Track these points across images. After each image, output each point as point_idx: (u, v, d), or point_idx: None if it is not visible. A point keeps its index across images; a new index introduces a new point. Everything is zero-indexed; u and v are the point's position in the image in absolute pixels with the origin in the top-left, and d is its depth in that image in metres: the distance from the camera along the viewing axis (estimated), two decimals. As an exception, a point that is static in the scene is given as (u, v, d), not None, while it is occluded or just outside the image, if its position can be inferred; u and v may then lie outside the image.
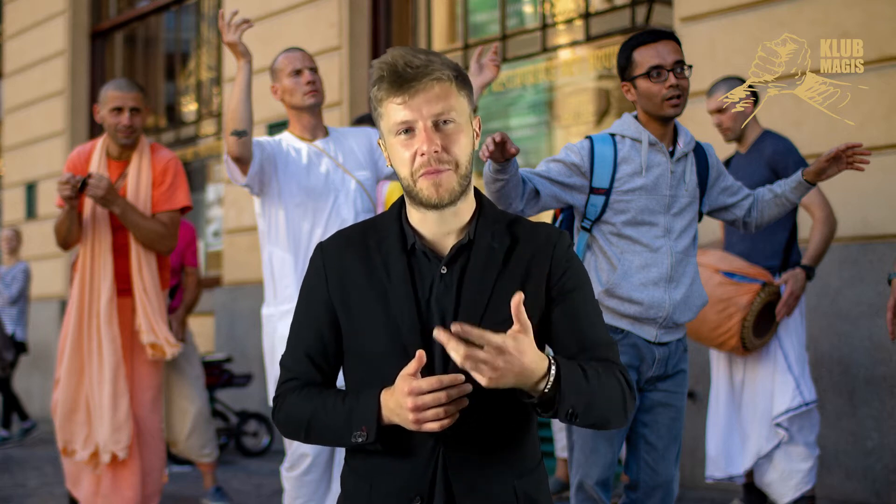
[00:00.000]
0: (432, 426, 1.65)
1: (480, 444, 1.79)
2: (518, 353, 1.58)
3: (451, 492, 1.77)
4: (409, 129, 1.75)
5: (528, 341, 1.60)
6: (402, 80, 1.72)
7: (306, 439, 1.85)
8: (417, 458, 1.77)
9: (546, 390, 1.64)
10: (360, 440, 1.74)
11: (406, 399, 1.65)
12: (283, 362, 1.91)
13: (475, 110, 1.96)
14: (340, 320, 1.83)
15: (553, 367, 1.65)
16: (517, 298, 1.59)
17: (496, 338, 1.56)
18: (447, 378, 1.64)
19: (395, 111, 1.75)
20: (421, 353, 1.66)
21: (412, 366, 1.66)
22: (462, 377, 1.64)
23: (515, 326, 1.59)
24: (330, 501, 3.66)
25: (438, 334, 1.55)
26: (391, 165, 1.83)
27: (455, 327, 1.55)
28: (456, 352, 1.54)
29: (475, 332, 1.55)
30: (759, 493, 4.42)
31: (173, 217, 4.24)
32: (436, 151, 1.73)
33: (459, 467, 1.77)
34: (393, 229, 1.84)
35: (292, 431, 1.87)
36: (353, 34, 7.21)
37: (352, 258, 1.84)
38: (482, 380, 1.56)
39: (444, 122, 1.75)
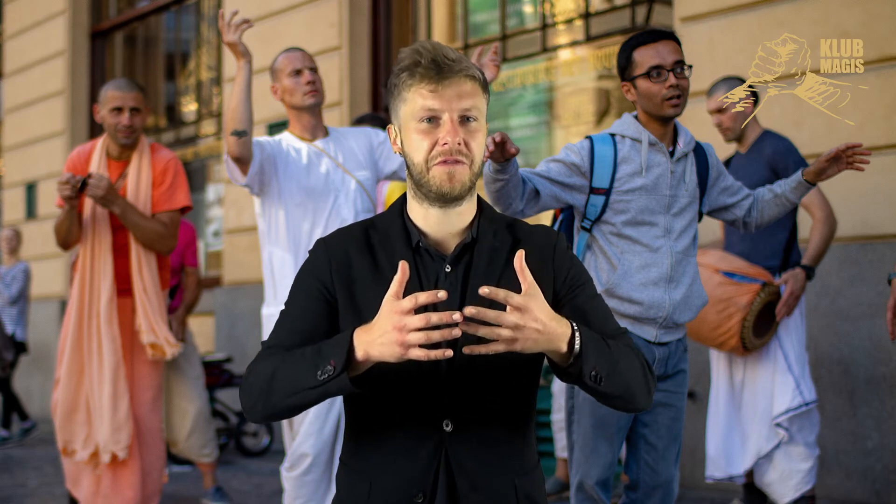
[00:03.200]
0: (417, 353, 1.58)
1: (483, 443, 1.79)
2: (536, 310, 1.61)
3: (454, 489, 1.77)
4: (432, 119, 1.76)
5: (541, 298, 1.63)
6: (438, 70, 1.75)
7: (268, 397, 1.72)
8: (420, 456, 1.77)
9: (578, 349, 1.66)
10: (326, 375, 1.64)
11: (392, 317, 1.60)
12: (263, 342, 1.83)
13: None
14: (341, 314, 1.82)
15: (576, 327, 1.68)
16: (519, 256, 1.63)
17: (516, 297, 1.59)
18: (431, 295, 1.59)
19: (423, 98, 1.76)
20: (404, 265, 1.62)
21: (395, 284, 1.61)
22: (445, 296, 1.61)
23: (524, 286, 1.62)
24: (330, 501, 3.66)
25: (465, 316, 1.57)
26: (400, 151, 1.84)
27: (470, 310, 1.57)
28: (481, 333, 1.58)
29: (491, 314, 1.58)
30: (759, 493, 4.42)
31: (173, 217, 4.24)
32: (458, 144, 1.75)
33: (462, 465, 1.77)
34: (396, 227, 1.85)
35: (255, 393, 1.74)
36: (353, 34, 7.21)
37: (356, 253, 1.84)
38: (511, 345, 1.60)
39: (469, 118, 1.78)
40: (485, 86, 1.82)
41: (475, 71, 1.79)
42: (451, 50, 1.79)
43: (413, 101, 1.78)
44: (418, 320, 1.57)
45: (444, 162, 1.76)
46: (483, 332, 1.60)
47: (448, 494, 1.77)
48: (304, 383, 1.68)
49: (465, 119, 1.77)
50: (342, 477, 1.88)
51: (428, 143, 1.77)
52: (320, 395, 1.69)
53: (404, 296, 1.67)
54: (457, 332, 1.59)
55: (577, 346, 1.67)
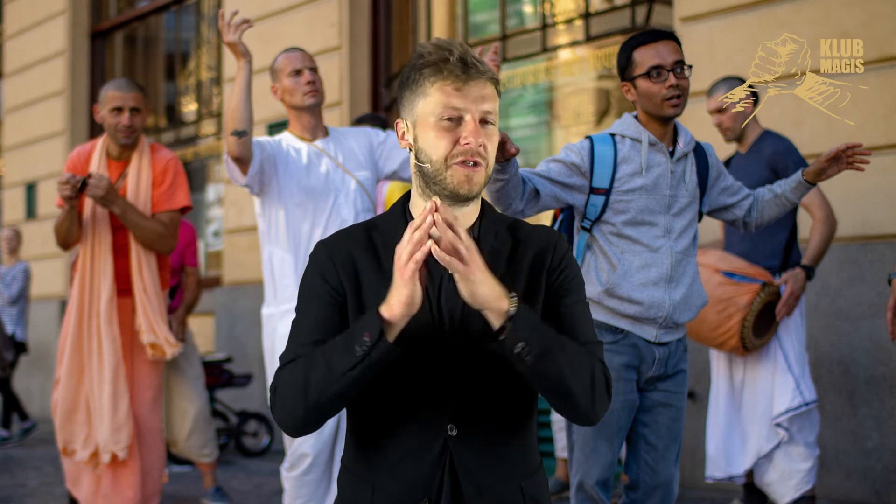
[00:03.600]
0: (410, 268, 1.64)
1: (488, 446, 1.79)
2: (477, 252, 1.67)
3: (459, 493, 1.76)
4: (454, 117, 1.76)
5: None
6: (465, 69, 1.74)
7: (305, 396, 1.71)
8: (424, 459, 1.77)
9: (513, 312, 1.66)
10: (365, 347, 1.65)
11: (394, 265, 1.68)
12: (281, 356, 1.82)
13: None
14: (350, 314, 1.80)
15: (514, 295, 1.69)
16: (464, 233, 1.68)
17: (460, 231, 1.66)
18: (416, 221, 1.66)
19: (447, 95, 1.75)
20: (432, 203, 1.67)
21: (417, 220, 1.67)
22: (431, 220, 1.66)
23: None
24: (330, 501, 3.66)
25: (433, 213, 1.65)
26: (410, 147, 1.83)
27: (436, 207, 1.64)
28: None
29: (450, 217, 1.65)
30: (759, 493, 4.42)
31: (173, 217, 4.24)
32: (480, 146, 1.75)
33: (467, 469, 1.77)
34: (399, 228, 1.82)
35: (290, 399, 1.73)
36: (353, 34, 7.21)
37: (360, 255, 1.82)
38: (464, 267, 1.65)
39: (487, 121, 1.78)
40: (498, 92, 1.83)
41: (495, 75, 1.80)
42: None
43: (435, 97, 1.76)
44: (409, 246, 1.63)
45: (464, 163, 1.75)
46: (447, 236, 1.64)
47: (453, 499, 1.76)
48: (343, 367, 1.67)
49: (483, 122, 1.77)
50: (344, 481, 1.87)
51: (448, 142, 1.75)
52: (362, 373, 1.67)
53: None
54: (430, 222, 1.65)
55: (512, 309, 1.66)
